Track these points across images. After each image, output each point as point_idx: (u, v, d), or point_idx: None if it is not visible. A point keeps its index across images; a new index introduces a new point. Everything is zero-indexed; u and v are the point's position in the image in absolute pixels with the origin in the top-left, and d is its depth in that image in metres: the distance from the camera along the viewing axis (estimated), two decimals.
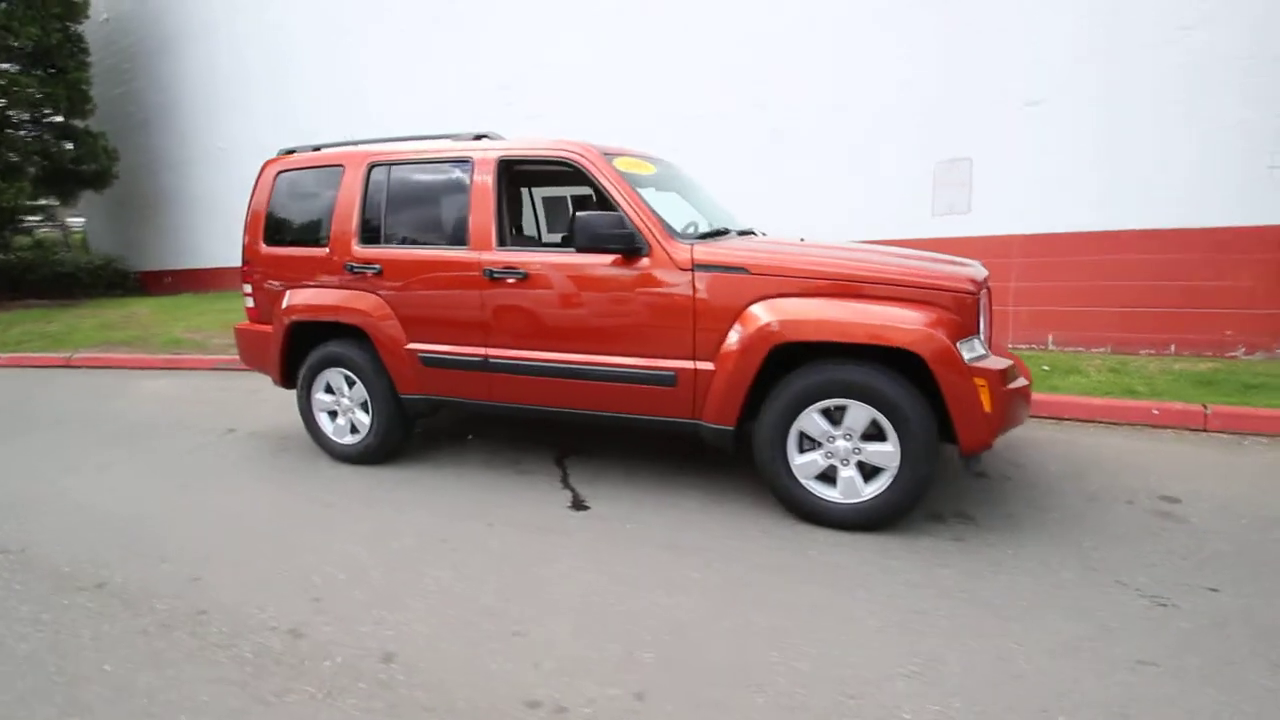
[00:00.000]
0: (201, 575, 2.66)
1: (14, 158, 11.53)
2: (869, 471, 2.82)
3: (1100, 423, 4.25)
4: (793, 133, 6.68)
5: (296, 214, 3.98)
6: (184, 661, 2.11)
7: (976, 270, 2.97)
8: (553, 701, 1.88)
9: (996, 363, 2.72)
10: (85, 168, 12.27)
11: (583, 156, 3.24)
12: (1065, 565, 2.54)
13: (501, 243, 3.38)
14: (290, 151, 4.10)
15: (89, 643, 2.23)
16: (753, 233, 3.71)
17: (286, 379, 4.06)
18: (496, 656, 2.09)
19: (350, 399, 3.86)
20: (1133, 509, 3.03)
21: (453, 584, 2.52)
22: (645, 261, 3.05)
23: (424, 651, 2.12)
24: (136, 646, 2.19)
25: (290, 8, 10.74)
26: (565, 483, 3.53)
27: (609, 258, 3.11)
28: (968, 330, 2.71)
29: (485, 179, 3.40)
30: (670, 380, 3.06)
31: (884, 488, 2.77)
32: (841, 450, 2.83)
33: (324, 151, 3.97)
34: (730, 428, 2.99)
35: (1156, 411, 4.11)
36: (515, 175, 4.12)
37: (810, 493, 2.89)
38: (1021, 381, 2.88)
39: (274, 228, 4.01)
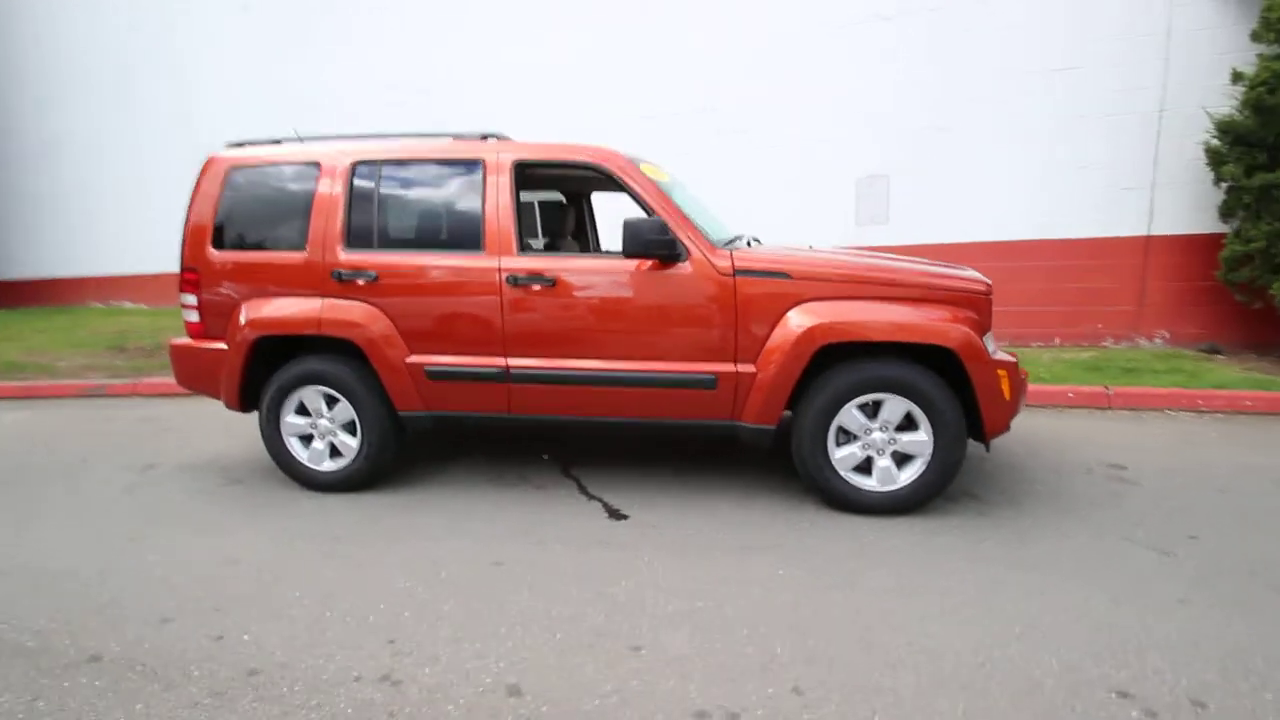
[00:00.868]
0: (223, 632, 2.27)
1: None
2: (900, 460, 3.05)
3: (1027, 406, 4.90)
4: (735, 147, 6.97)
5: (258, 215, 3.51)
6: None
7: (980, 275, 3.32)
8: (720, 709, 1.85)
9: (1009, 356, 3.07)
10: None
11: (613, 163, 3.19)
12: (1075, 530, 2.91)
13: (522, 248, 3.23)
14: (242, 145, 3.61)
15: None
16: (758, 241, 3.85)
17: (244, 402, 3.56)
18: (635, 674, 2.00)
19: (331, 420, 3.46)
20: (1093, 478, 3.53)
21: (545, 607, 2.37)
22: (685, 267, 3.07)
23: (552, 679, 1.99)
24: None
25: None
26: (587, 493, 3.43)
27: (644, 263, 3.10)
28: (985, 327, 3.04)
29: (501, 182, 3.23)
30: (711, 383, 3.10)
31: (917, 474, 3.01)
32: (878, 441, 3.03)
33: (288, 147, 3.55)
34: (772, 426, 3.09)
35: (1071, 395, 4.82)
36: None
37: (849, 483, 3.06)
38: (1024, 371, 3.26)
39: (228, 230, 3.50)
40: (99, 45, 9.82)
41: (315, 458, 3.51)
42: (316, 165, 3.41)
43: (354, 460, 3.45)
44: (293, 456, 3.52)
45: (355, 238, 3.35)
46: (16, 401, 5.84)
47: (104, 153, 9.96)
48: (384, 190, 3.36)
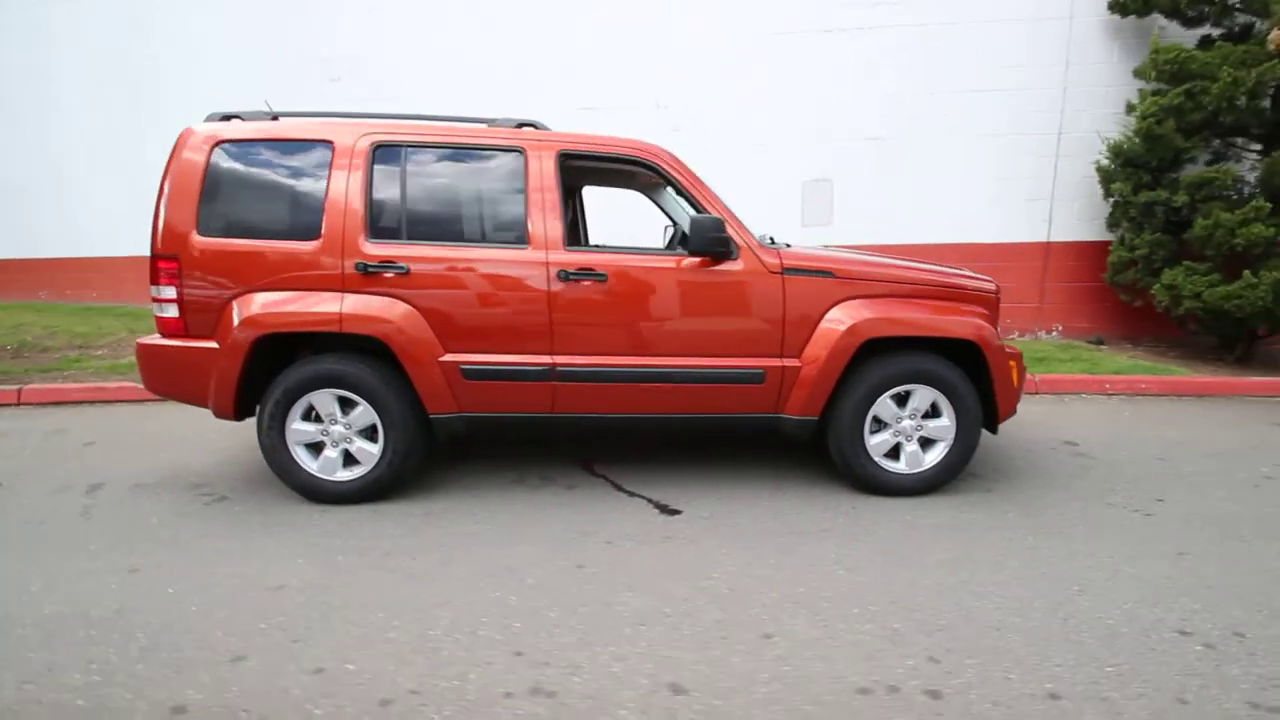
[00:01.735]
0: (320, 664, 2.05)
1: None
2: (923, 445, 3.33)
3: None
4: (683, 145, 7.07)
5: (253, 197, 3.14)
6: None
7: (988, 278, 3.63)
8: (878, 684, 1.96)
9: (1012, 348, 3.44)
10: None
11: (660, 158, 3.19)
12: (1067, 499, 3.34)
13: (570, 242, 3.14)
14: (228, 118, 3.19)
15: None
16: (773, 239, 3.98)
17: (239, 409, 3.17)
18: (781, 660, 2.07)
19: (346, 425, 3.18)
20: (1056, 454, 4.05)
21: (654, 605, 2.37)
22: (736, 264, 3.14)
23: (707, 673, 2.00)
24: None
25: None
26: (624, 490, 3.42)
27: (696, 259, 3.14)
28: (995, 323, 3.39)
29: (545, 172, 3.12)
30: (759, 378, 3.20)
31: (941, 457, 3.31)
32: (908, 429, 3.29)
33: (290, 123, 3.19)
34: (815, 418, 3.26)
35: None
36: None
37: (882, 468, 3.30)
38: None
39: (214, 213, 3.09)
40: None
41: (327, 467, 3.20)
42: (329, 144, 3.10)
43: (374, 468, 3.19)
44: (300, 467, 3.18)
45: (379, 227, 3.09)
46: None
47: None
48: (411, 176, 3.12)
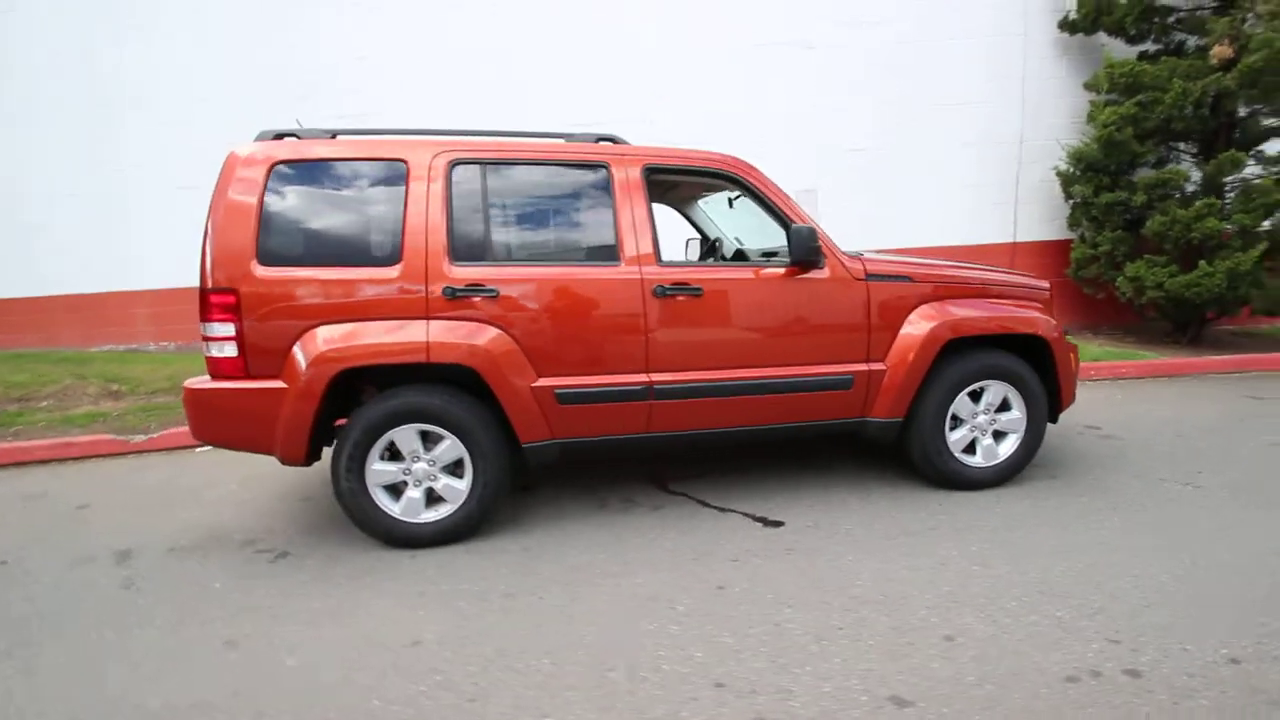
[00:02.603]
0: (549, 712, 1.89)
1: None
2: (996, 438, 3.47)
3: None
4: None
5: (319, 222, 2.89)
6: None
7: (1041, 279, 3.80)
8: (1085, 670, 2.00)
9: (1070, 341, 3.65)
10: None
11: (740, 169, 3.19)
12: (1125, 478, 3.55)
13: (659, 257, 3.07)
14: (282, 136, 2.94)
15: None
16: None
17: (309, 452, 2.90)
18: (977, 660, 2.07)
19: (430, 461, 2.96)
20: (1086, 438, 4.32)
21: (820, 619, 2.33)
22: (823, 273, 3.18)
23: (915, 681, 1.98)
24: None
25: None
26: (713, 506, 3.36)
27: (783, 270, 3.15)
28: (1051, 317, 3.58)
29: (633, 187, 3.05)
30: (848, 384, 3.24)
31: (1014, 449, 3.45)
32: (983, 423, 3.42)
33: (354, 142, 2.98)
34: (900, 419, 3.32)
35: None
36: None
37: (962, 463, 3.41)
38: None
39: (276, 241, 2.83)
40: None
41: (411, 509, 2.97)
42: (402, 163, 2.91)
43: (462, 505, 2.99)
44: (382, 511, 2.93)
45: (463, 249, 2.92)
46: None
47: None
48: (492, 195, 2.97)
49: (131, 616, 2.54)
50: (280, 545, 3.12)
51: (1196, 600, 2.37)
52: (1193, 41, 6.21)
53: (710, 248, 4.47)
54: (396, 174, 2.90)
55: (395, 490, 2.98)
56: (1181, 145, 6.38)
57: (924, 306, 3.29)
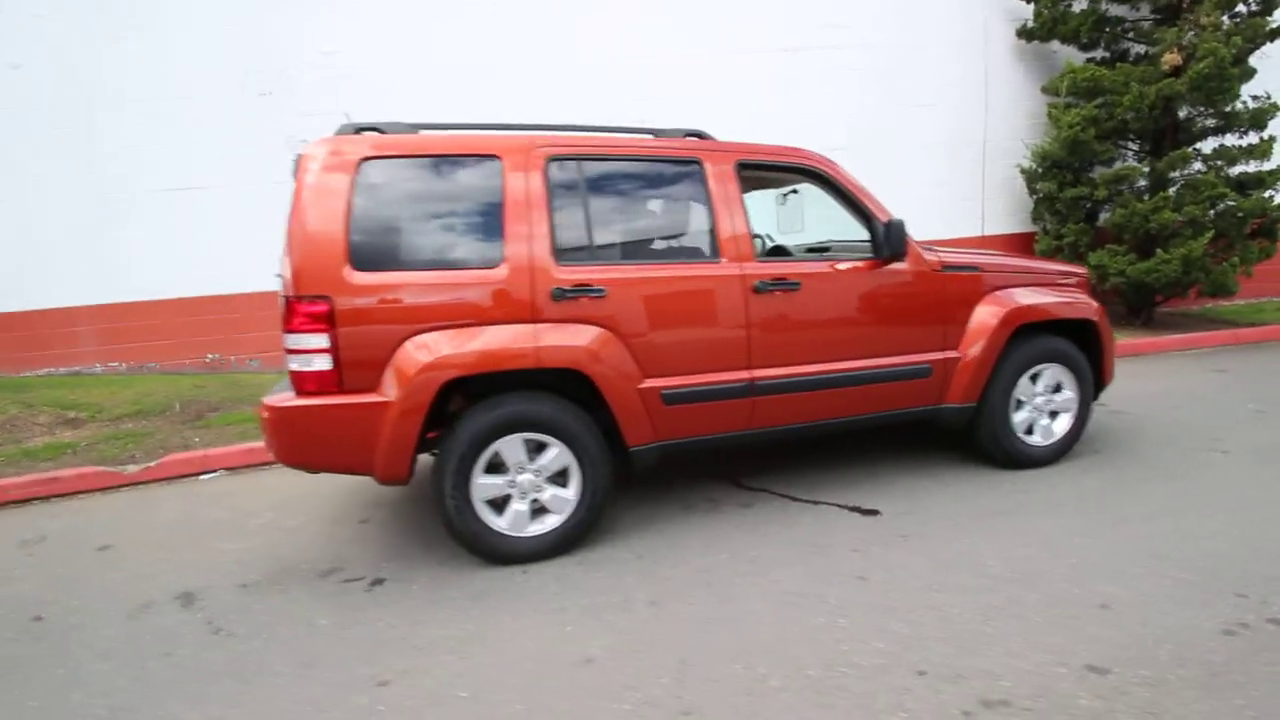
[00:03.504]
0: (774, 717, 1.84)
1: None
2: (1050, 417, 3.69)
3: None
4: None
5: (413, 222, 2.70)
6: None
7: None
8: (1234, 624, 2.16)
9: None
10: None
11: (824, 164, 3.24)
12: (1157, 449, 3.85)
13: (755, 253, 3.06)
14: (363, 130, 2.72)
15: None
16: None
17: (410, 468, 2.70)
18: (1145, 623, 2.20)
19: (536, 472, 2.83)
20: (1097, 413, 4.59)
21: (976, 599, 2.40)
22: (904, 265, 3.27)
23: (1102, 649, 2.08)
24: None
25: None
26: (801, 500, 3.39)
27: (868, 263, 3.22)
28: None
29: (726, 183, 3.03)
30: (927, 372, 3.35)
31: (1068, 428, 3.68)
32: (1042, 404, 3.62)
33: (438, 135, 2.79)
34: (974, 404, 3.47)
35: None
36: None
37: (1025, 443, 3.60)
38: None
39: (369, 243, 2.61)
40: None
41: (518, 523, 2.82)
42: (496, 159, 2.76)
43: (571, 515, 2.87)
44: (484, 526, 2.78)
45: (566, 248, 2.80)
46: None
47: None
48: (591, 192, 2.87)
49: (244, 663, 2.28)
50: (366, 572, 2.89)
51: None
52: (1139, 49, 6.84)
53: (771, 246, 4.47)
54: (491, 170, 2.75)
55: (499, 504, 2.83)
56: (1134, 145, 7.00)
57: (991, 296, 3.45)
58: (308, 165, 2.61)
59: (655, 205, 3.06)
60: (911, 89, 7.44)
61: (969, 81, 7.50)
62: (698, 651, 2.20)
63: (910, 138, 7.49)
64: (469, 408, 2.77)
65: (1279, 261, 7.06)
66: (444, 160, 2.74)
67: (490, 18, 6.87)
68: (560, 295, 2.75)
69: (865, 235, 3.35)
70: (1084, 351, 3.67)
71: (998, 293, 3.46)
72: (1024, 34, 7.29)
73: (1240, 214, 6.35)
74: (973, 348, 3.39)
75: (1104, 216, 7.18)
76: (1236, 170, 6.64)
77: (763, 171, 3.40)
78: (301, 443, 2.65)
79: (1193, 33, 5.98)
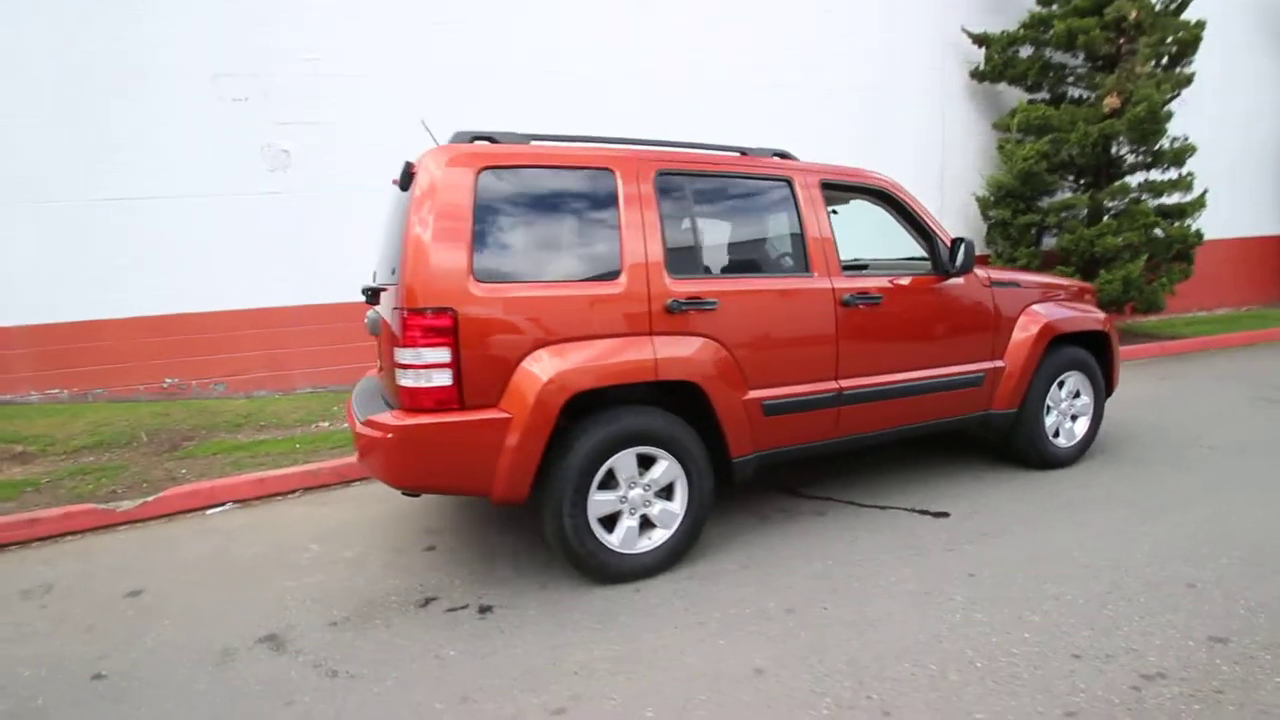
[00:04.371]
0: (968, 709, 1.90)
1: None
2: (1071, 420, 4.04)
3: None
4: None
5: (532, 234, 2.64)
6: None
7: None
8: None
9: None
10: None
11: (896, 188, 3.45)
12: (1160, 447, 4.26)
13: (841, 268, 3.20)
14: (476, 139, 2.64)
15: None
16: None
17: (531, 488, 2.61)
18: (1232, 599, 2.45)
19: (646, 487, 2.80)
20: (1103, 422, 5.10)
21: (1082, 587, 2.60)
22: (960, 280, 3.50)
23: (1216, 624, 2.30)
24: None
25: None
26: (872, 506, 3.52)
27: (934, 278, 3.44)
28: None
29: (814, 201, 3.15)
30: (979, 380, 3.60)
31: (1086, 429, 4.03)
32: (1065, 409, 3.96)
33: (547, 145, 2.75)
34: (1015, 410, 3.74)
35: None
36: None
37: (1055, 445, 3.91)
38: None
39: (492, 254, 2.54)
40: None
41: (629, 539, 2.78)
42: (610, 172, 2.75)
43: (677, 529, 2.86)
44: (598, 543, 2.72)
45: (678, 262, 2.82)
46: None
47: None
48: (697, 205, 2.91)
49: (390, 703, 2.12)
50: (467, 600, 2.74)
51: None
52: (1078, 92, 7.67)
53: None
54: (607, 183, 2.74)
55: (603, 522, 2.77)
56: (1076, 178, 7.80)
57: (1029, 310, 3.76)
58: (425, 173, 2.51)
59: (752, 221, 3.15)
60: (878, 124, 7.96)
61: (929, 115, 8.13)
62: (861, 654, 2.25)
63: (877, 167, 7.99)
64: (577, 423, 2.71)
65: (1188, 283, 8.05)
66: (561, 171, 2.71)
67: (485, 27, 6.78)
68: (675, 308, 2.76)
69: (904, 254, 3.60)
70: (1096, 359, 4.07)
71: (1032, 308, 3.78)
72: (976, 75, 8.01)
73: (1167, 240, 7.22)
74: (1016, 357, 3.68)
75: (1049, 241, 7.93)
76: (1158, 202, 7.55)
77: (839, 191, 3.56)
78: (421, 463, 2.50)
79: (1129, 80, 6.78)
